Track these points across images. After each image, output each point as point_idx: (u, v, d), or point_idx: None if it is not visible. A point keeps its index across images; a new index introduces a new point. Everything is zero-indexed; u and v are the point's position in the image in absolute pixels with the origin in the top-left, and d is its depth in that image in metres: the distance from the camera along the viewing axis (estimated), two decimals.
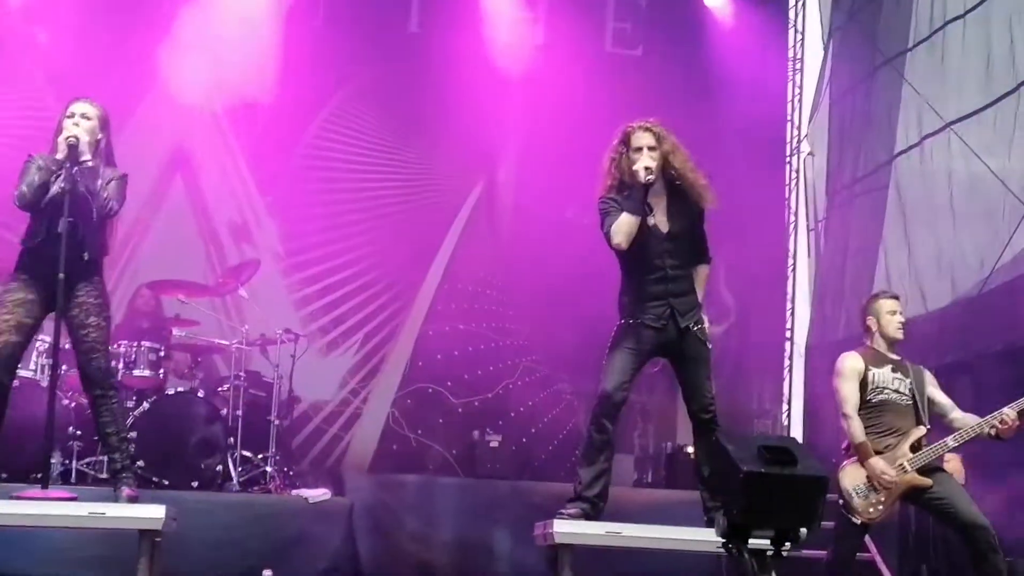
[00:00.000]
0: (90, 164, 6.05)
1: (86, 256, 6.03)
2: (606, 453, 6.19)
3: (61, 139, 6.07)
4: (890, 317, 6.81)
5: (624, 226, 6.10)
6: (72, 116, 6.16)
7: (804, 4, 12.64)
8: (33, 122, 9.96)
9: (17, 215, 6.22)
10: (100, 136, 6.24)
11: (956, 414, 6.66)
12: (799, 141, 12.48)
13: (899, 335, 6.79)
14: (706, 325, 6.34)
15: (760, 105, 12.07)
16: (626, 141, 6.26)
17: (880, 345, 6.80)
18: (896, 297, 6.96)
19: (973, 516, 6.32)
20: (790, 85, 12.68)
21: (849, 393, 6.66)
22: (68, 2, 10.52)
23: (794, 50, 12.69)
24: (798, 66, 12.66)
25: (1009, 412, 6.38)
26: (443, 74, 11.45)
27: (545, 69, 11.62)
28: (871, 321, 6.85)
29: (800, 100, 12.57)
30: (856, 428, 6.57)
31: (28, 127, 10.01)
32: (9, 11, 10.44)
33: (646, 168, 6.08)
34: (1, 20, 10.41)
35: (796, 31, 12.70)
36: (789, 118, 12.63)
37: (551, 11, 11.95)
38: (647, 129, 6.25)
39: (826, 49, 11.98)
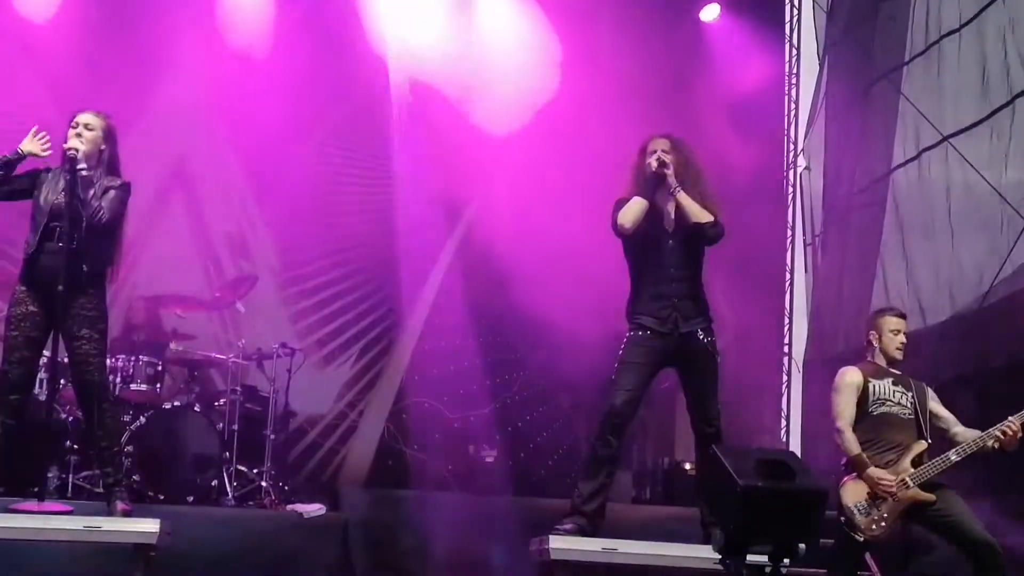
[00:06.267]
0: (84, 173, 6.05)
1: (84, 268, 6.03)
2: (608, 468, 6.18)
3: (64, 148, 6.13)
4: (892, 336, 6.79)
5: (632, 208, 6.17)
6: (76, 126, 6.22)
7: (800, 19, 12.65)
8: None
9: (20, 230, 6.24)
10: (103, 147, 6.28)
11: (958, 428, 6.63)
12: (795, 156, 12.49)
13: (898, 355, 6.78)
14: (715, 337, 6.34)
15: (757, 119, 12.08)
16: (643, 149, 6.37)
17: (880, 360, 6.78)
18: (903, 316, 6.93)
19: (979, 533, 6.27)
20: (786, 100, 12.69)
21: (844, 407, 6.63)
22: (68, 16, 10.50)
23: (790, 65, 12.70)
24: (794, 81, 12.67)
25: (1013, 422, 6.36)
26: (438, 91, 11.52)
27: (541, 84, 11.64)
28: (873, 336, 6.84)
29: (796, 115, 12.59)
30: (849, 441, 6.54)
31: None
32: (9, 22, 10.42)
33: (658, 158, 6.17)
34: (1, 33, 10.38)
35: (792, 46, 12.71)
36: (786, 133, 12.63)
37: (546, 24, 11.93)
38: (663, 136, 6.39)
39: (822, 64, 11.99)
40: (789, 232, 12.47)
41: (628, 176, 6.40)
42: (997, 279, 8.77)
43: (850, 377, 6.71)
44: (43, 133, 6.23)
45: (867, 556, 6.65)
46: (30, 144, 6.17)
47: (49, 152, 6.23)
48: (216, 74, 10.88)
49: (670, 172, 6.21)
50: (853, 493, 6.49)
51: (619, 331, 6.39)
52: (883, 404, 6.62)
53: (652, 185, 6.22)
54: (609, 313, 6.61)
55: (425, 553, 8.71)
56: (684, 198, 6.22)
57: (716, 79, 11.99)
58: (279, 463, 9.35)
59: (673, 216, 6.28)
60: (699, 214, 6.22)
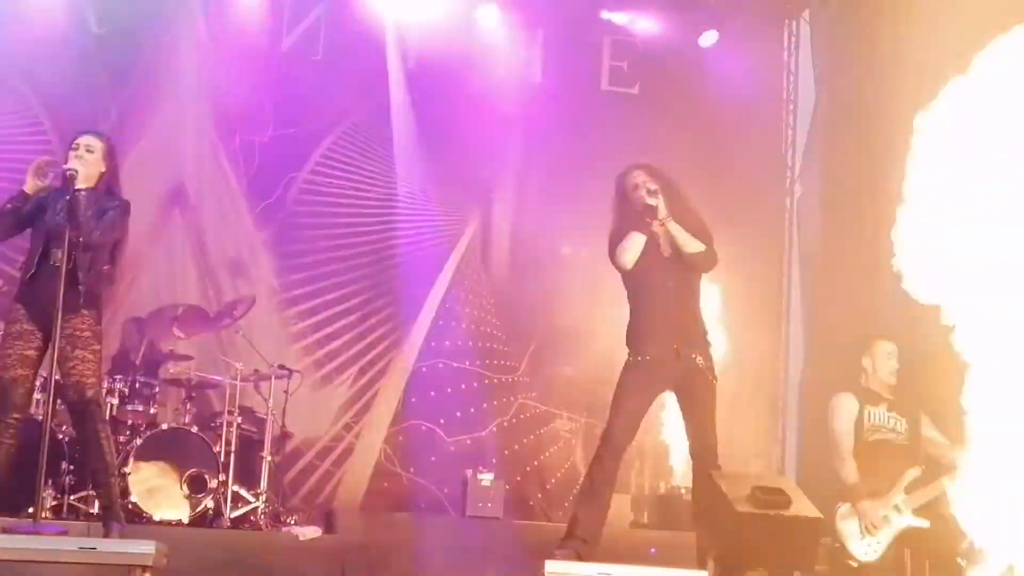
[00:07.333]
0: (83, 194, 6.08)
1: (81, 288, 6.04)
2: (605, 493, 6.17)
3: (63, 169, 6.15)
4: (886, 361, 6.81)
5: (631, 245, 6.18)
6: (76, 148, 6.25)
7: (797, 46, 12.68)
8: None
9: (18, 249, 6.25)
10: (103, 168, 6.30)
11: (953, 454, 6.63)
12: (792, 182, 12.50)
13: (892, 380, 6.79)
14: (713, 360, 6.34)
15: (754, 146, 12.10)
16: (622, 185, 6.38)
17: (874, 386, 6.79)
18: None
19: None
20: (783, 126, 12.71)
21: (843, 434, 6.65)
22: (68, 37, 10.54)
23: (787, 91, 12.73)
24: (791, 107, 12.69)
25: None
26: (439, 111, 11.53)
27: (541, 107, 11.68)
28: (867, 362, 6.85)
29: (793, 141, 12.60)
30: (850, 470, 6.55)
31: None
32: (9, 46, 10.46)
33: (648, 190, 6.19)
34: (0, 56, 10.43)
35: (789, 72, 12.74)
36: (783, 159, 12.65)
37: (548, 49, 11.98)
38: (636, 167, 6.40)
39: (819, 90, 12.00)
40: (787, 256, 12.47)
41: (612, 219, 6.43)
42: None
43: (846, 403, 6.73)
44: (44, 160, 6.26)
45: None
46: (34, 182, 6.19)
47: (50, 179, 6.25)
48: (216, 95, 10.94)
49: (661, 202, 6.24)
50: (848, 519, 6.49)
51: (618, 356, 6.39)
52: (877, 431, 6.63)
53: (649, 216, 6.24)
54: (609, 337, 6.60)
55: None
56: (675, 228, 6.25)
57: (713, 105, 12.00)
58: (275, 485, 9.33)
59: (668, 244, 6.31)
60: (690, 244, 6.25)
